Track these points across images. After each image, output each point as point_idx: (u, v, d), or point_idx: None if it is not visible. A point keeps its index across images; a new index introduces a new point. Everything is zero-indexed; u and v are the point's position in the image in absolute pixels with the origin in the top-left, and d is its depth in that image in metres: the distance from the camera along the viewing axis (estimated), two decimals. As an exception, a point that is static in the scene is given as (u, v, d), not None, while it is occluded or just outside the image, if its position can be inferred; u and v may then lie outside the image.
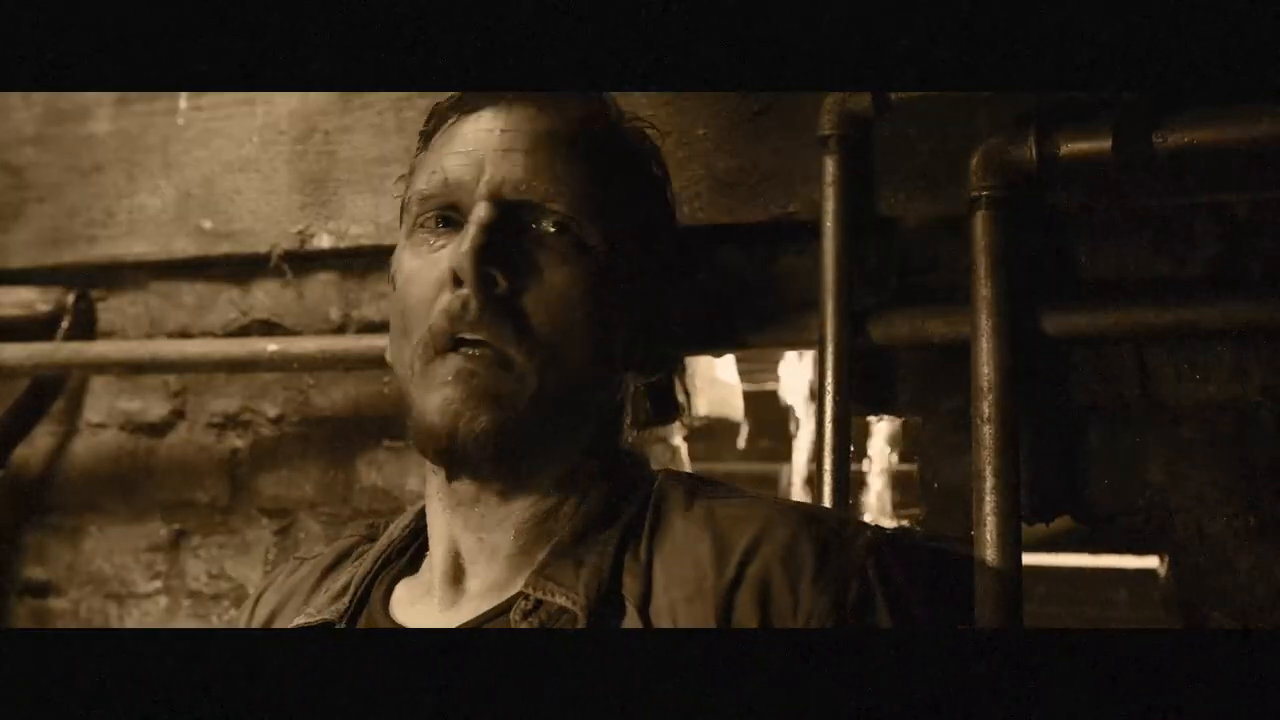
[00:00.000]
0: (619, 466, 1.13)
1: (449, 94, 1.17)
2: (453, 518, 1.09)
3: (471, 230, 1.03)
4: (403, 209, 1.15)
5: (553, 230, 1.06)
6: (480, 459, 1.02)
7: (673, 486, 1.10)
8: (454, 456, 1.02)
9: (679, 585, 1.00)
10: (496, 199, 1.05)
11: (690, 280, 1.45)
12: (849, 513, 1.21)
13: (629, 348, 1.12)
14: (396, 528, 1.20)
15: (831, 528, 1.03)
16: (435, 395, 1.02)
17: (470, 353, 1.01)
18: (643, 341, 1.14)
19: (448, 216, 1.07)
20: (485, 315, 1.01)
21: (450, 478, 1.06)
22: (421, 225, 1.08)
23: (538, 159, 1.06)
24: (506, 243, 1.03)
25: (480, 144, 1.07)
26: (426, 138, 1.16)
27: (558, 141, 1.08)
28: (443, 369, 1.02)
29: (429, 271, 1.05)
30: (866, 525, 1.08)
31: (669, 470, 1.15)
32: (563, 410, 1.06)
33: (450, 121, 1.12)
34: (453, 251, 1.03)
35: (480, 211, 1.04)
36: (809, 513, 1.06)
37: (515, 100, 1.10)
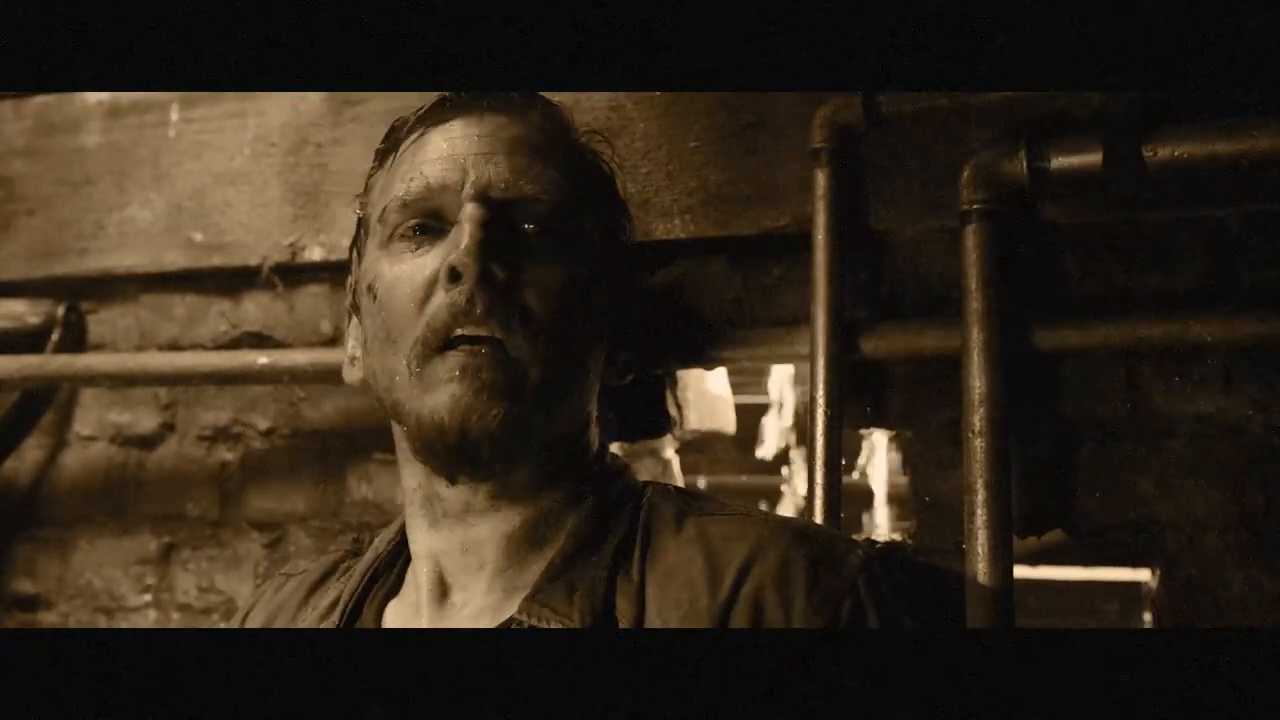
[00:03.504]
0: (606, 479, 1.13)
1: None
2: (436, 533, 1.09)
3: (468, 227, 1.03)
4: (363, 225, 1.16)
5: (540, 228, 1.07)
6: (491, 455, 1.02)
7: (662, 502, 1.10)
8: (463, 455, 1.02)
9: (672, 606, 1.00)
10: (485, 199, 1.05)
11: (640, 284, 1.45)
12: (840, 530, 1.21)
13: (609, 348, 1.14)
14: (382, 541, 1.19)
15: (823, 546, 1.03)
16: (440, 393, 1.01)
17: (472, 349, 1.01)
18: (617, 343, 1.15)
19: (426, 225, 1.07)
20: (492, 309, 1.01)
21: (452, 480, 1.06)
22: (401, 236, 1.08)
23: (518, 161, 1.08)
24: (501, 240, 1.04)
25: (459, 149, 1.09)
26: (384, 155, 1.17)
27: (533, 145, 1.10)
28: (444, 366, 1.02)
29: (414, 276, 1.05)
30: (858, 542, 1.08)
31: (655, 483, 1.15)
32: (563, 404, 1.07)
33: (415, 135, 1.13)
34: (444, 252, 1.04)
35: (473, 210, 1.04)
36: (801, 530, 1.06)
37: (485, 108, 1.12)
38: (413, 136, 1.13)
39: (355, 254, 1.19)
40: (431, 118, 1.13)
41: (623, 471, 1.16)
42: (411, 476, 1.10)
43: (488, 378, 1.01)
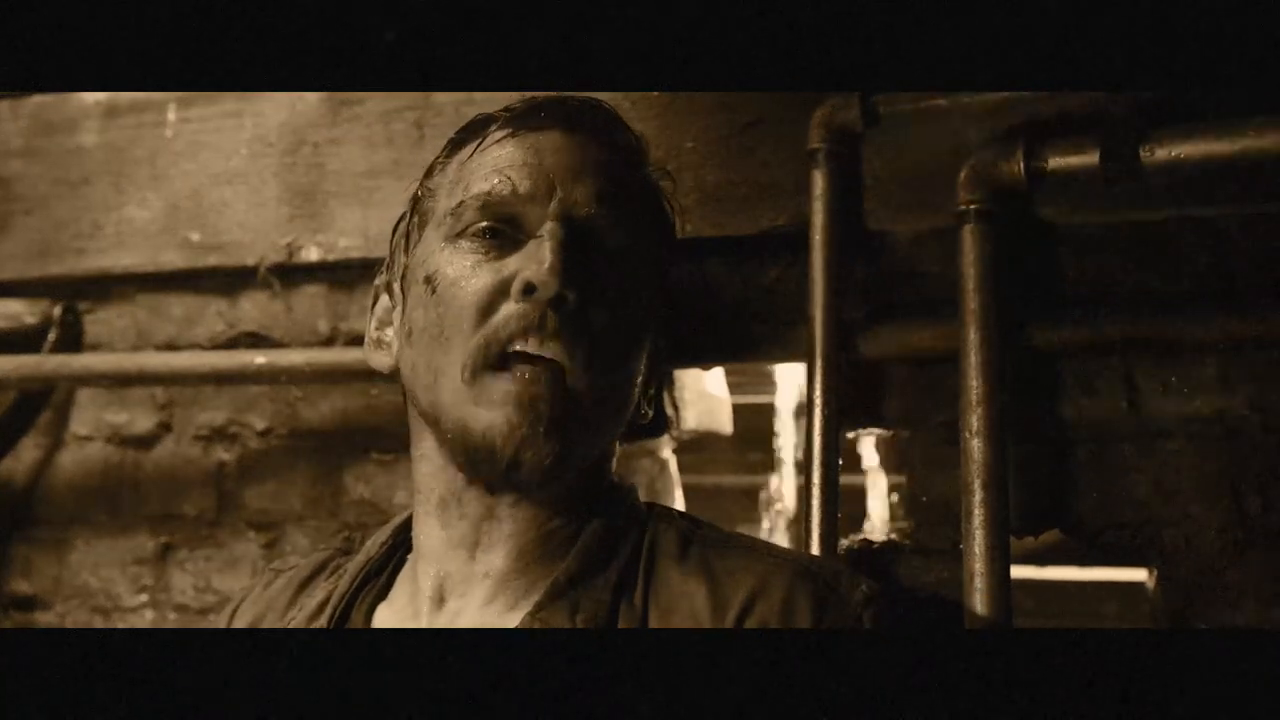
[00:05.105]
0: (611, 498, 1.12)
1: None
2: (448, 535, 1.08)
3: (550, 244, 1.02)
4: (419, 209, 1.14)
5: (613, 258, 1.07)
6: (538, 484, 1.03)
7: (666, 530, 1.09)
8: (509, 479, 1.02)
9: None
10: (569, 218, 1.05)
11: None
12: (844, 565, 1.21)
13: (645, 383, 1.14)
14: (374, 544, 1.18)
15: (827, 582, 1.03)
16: (495, 413, 1.01)
17: (532, 372, 1.01)
18: (649, 379, 1.15)
19: (500, 230, 1.06)
20: (561, 331, 1.01)
21: (491, 491, 1.06)
22: (472, 235, 1.07)
23: (603, 186, 1.08)
24: (578, 263, 1.03)
25: (549, 162, 1.07)
26: (458, 145, 1.14)
27: (617, 173, 1.10)
28: (501, 386, 1.01)
29: (481, 279, 1.04)
30: (862, 578, 1.08)
31: (659, 507, 1.15)
32: (605, 435, 1.09)
33: (503, 135, 1.11)
34: (519, 262, 1.03)
35: (557, 229, 1.03)
36: (805, 566, 1.06)
37: (578, 125, 1.11)
38: (499, 135, 1.11)
39: (404, 236, 1.17)
40: (521, 121, 1.11)
41: (629, 490, 1.15)
42: (432, 477, 1.09)
43: (545, 410, 1.00)
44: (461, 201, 1.08)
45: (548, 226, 1.04)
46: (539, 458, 1.00)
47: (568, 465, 1.03)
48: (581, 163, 1.08)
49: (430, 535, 1.10)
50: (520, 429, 1.00)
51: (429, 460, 1.10)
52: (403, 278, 1.14)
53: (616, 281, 1.06)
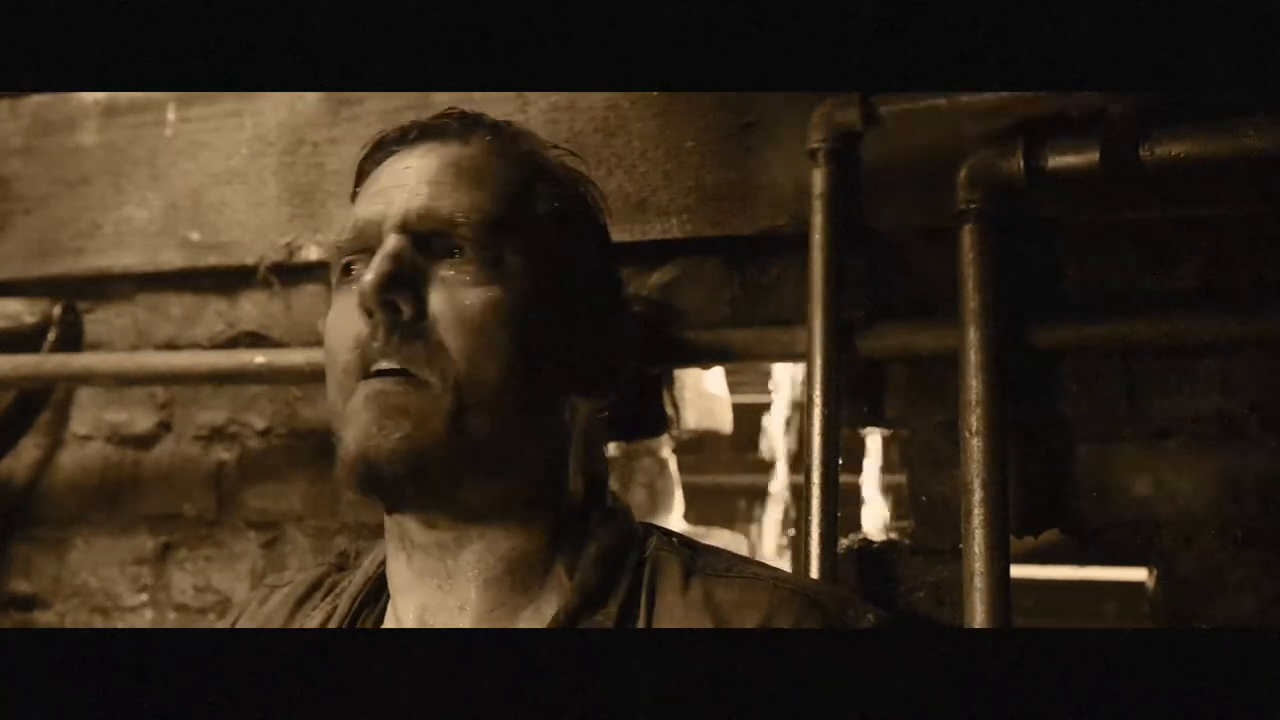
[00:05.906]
0: (605, 521, 1.10)
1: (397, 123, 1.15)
2: (411, 567, 1.07)
3: (375, 260, 1.02)
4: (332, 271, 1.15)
5: (463, 252, 1.04)
6: (396, 480, 0.98)
7: (667, 558, 1.07)
8: (372, 481, 0.99)
9: None
10: (403, 230, 1.04)
11: (625, 302, 1.36)
12: (851, 593, 1.20)
13: (571, 370, 1.09)
14: (371, 564, 1.16)
15: (834, 613, 1.03)
16: (353, 425, 1.00)
17: (383, 379, 1.00)
18: (585, 364, 1.10)
19: (358, 264, 1.06)
20: (393, 341, 1.00)
21: (389, 510, 1.04)
22: (344, 276, 1.08)
23: (443, 186, 1.06)
24: (413, 270, 1.02)
25: (390, 183, 1.07)
26: (355, 198, 1.15)
27: (465, 168, 1.07)
28: (357, 396, 1.00)
29: (346, 314, 1.04)
30: (870, 606, 1.07)
31: (657, 531, 1.12)
32: (495, 435, 1.02)
33: (368, 177, 1.12)
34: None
35: (387, 244, 1.03)
36: (812, 597, 1.05)
37: (421, 137, 1.10)
38: (366, 179, 1.12)
39: None
40: (376, 156, 1.12)
41: (624, 513, 1.13)
42: (387, 515, 1.08)
43: (390, 401, 0.99)
44: (334, 256, 1.10)
45: (382, 243, 1.03)
46: (383, 444, 0.97)
47: (427, 460, 0.98)
48: (418, 173, 1.06)
49: (399, 571, 1.09)
50: (368, 425, 0.98)
51: None
52: None
53: (471, 277, 1.02)
